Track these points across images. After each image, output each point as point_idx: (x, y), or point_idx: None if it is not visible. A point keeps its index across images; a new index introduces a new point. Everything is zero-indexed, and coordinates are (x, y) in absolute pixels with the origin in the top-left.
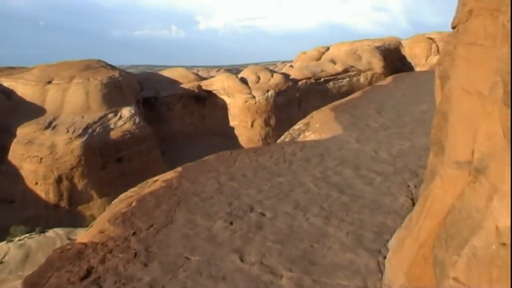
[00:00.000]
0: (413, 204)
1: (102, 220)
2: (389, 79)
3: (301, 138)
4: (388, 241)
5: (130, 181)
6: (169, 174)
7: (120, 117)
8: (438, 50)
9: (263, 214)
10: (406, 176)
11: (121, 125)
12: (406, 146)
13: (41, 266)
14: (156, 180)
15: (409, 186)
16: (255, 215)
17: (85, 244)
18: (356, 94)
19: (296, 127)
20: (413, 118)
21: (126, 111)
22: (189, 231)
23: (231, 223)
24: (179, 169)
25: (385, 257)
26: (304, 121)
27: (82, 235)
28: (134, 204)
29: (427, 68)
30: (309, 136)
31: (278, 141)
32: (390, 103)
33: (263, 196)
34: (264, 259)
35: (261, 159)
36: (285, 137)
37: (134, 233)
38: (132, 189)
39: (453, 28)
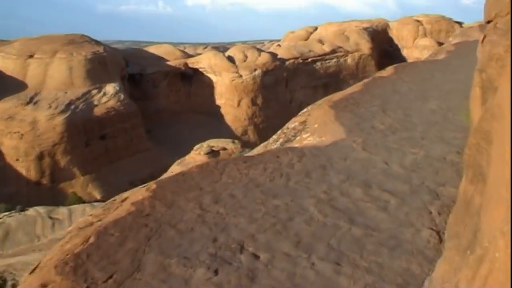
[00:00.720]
0: (440, 239)
1: (48, 266)
2: (391, 69)
3: (297, 141)
4: None
5: (114, 159)
6: (140, 193)
7: (104, 94)
8: (425, 33)
9: (256, 256)
10: (425, 197)
11: (105, 102)
12: (420, 155)
13: None
14: (125, 199)
15: (431, 212)
16: (246, 258)
17: None
18: (357, 88)
19: (290, 125)
20: (423, 118)
21: (110, 88)
22: (161, 285)
23: (216, 271)
24: (153, 185)
25: None
26: (299, 118)
27: None
28: (91, 240)
29: (414, 50)
30: (307, 138)
31: (271, 140)
32: (395, 99)
33: (256, 228)
34: None
35: (253, 173)
36: (279, 136)
37: None
38: (94, 212)
39: (488, 22)
